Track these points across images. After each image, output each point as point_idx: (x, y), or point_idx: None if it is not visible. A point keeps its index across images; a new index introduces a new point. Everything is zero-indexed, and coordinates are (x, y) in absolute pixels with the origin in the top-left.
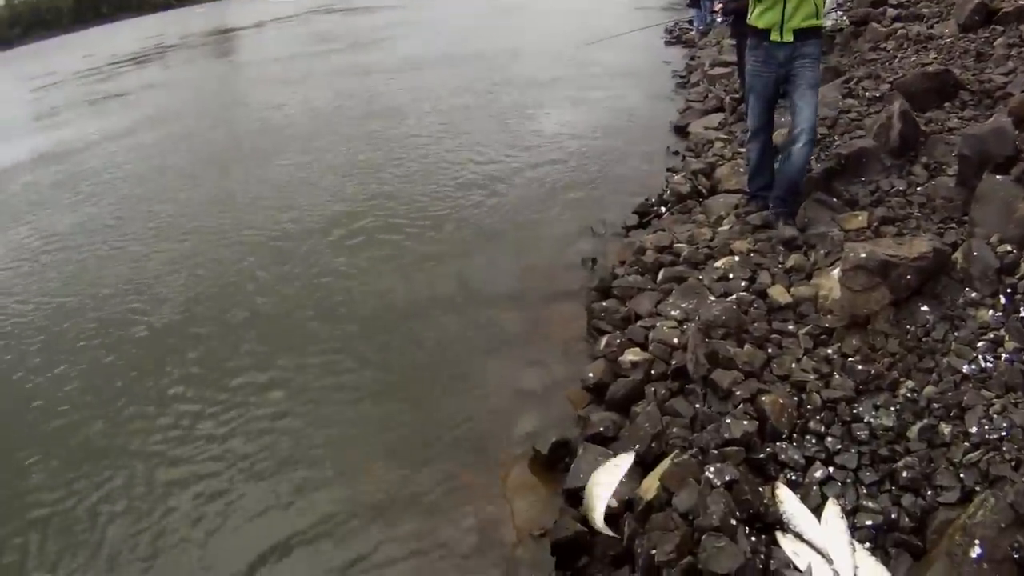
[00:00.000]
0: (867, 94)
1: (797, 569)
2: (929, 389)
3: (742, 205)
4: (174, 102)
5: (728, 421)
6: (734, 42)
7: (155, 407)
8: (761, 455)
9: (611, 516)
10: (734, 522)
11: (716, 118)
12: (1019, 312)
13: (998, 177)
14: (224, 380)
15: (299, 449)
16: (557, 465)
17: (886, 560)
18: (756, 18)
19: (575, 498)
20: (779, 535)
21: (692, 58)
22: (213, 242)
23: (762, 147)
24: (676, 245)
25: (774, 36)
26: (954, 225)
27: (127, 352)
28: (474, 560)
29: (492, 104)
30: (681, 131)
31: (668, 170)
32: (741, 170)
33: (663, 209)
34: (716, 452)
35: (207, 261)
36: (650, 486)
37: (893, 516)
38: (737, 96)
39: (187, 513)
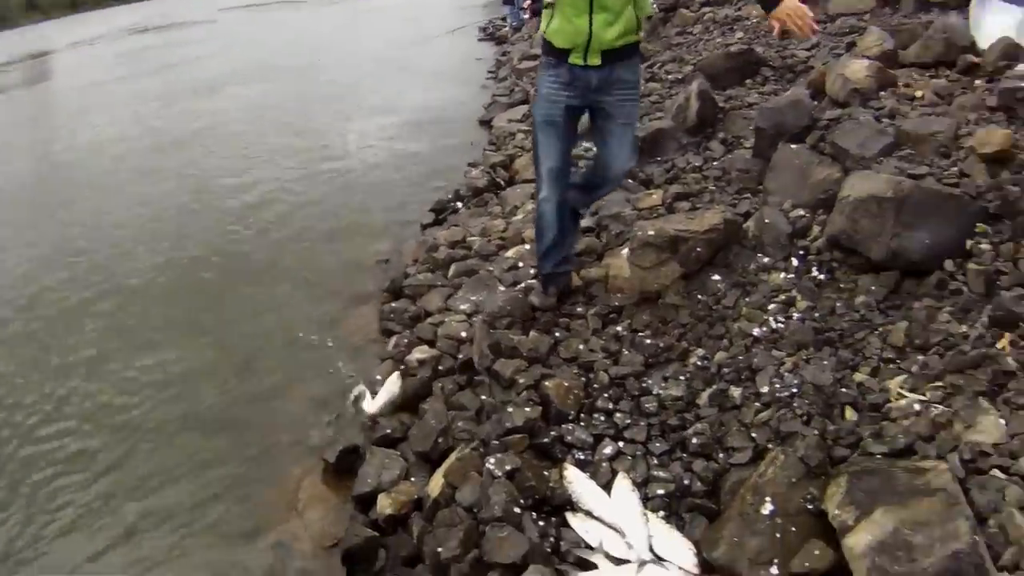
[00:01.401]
0: (669, 77)
1: (589, 547)
2: (720, 355)
3: (533, 290)
4: None
5: (510, 410)
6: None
7: None
8: (546, 439)
9: (400, 518)
10: (518, 510)
11: (520, 110)
12: (811, 272)
13: (792, 146)
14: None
15: (76, 473)
16: (348, 472)
17: (680, 525)
18: (552, 33)
19: (365, 503)
20: (569, 515)
21: (503, 54)
22: None
23: (559, 207)
24: (469, 239)
25: (574, 59)
26: (748, 196)
27: None
28: None
29: (303, 116)
30: (486, 124)
31: (468, 164)
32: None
33: (459, 204)
34: (498, 442)
35: None
36: (436, 484)
37: (685, 482)
38: None
39: None
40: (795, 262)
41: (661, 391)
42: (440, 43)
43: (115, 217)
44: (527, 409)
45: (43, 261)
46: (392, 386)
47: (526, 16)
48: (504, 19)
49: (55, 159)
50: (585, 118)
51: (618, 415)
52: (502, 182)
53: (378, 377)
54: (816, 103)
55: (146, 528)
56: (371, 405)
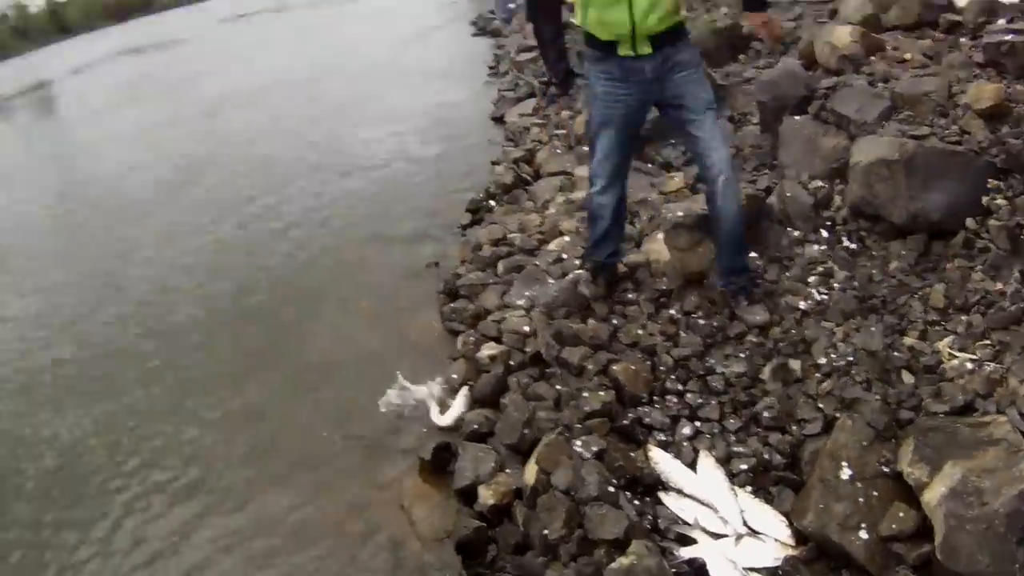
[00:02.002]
0: None
1: (686, 523)
2: (773, 331)
3: (582, 281)
4: None
5: (586, 395)
6: (531, 26)
7: None
8: (625, 422)
9: (503, 507)
10: (612, 489)
11: (529, 104)
12: (842, 242)
13: (797, 118)
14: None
15: (186, 481)
16: (444, 468)
17: (769, 499)
18: (593, 25)
19: (468, 496)
20: (661, 494)
21: (499, 47)
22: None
23: (616, 203)
24: (509, 235)
25: (623, 51)
26: (767, 171)
27: None
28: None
29: (314, 130)
30: (498, 121)
31: (492, 162)
32: (578, 230)
33: (492, 202)
34: (581, 426)
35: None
36: (531, 472)
37: (766, 456)
38: (544, 80)
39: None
40: (824, 233)
41: (725, 369)
42: (433, 41)
43: (151, 250)
44: (601, 393)
45: (86, 298)
46: (461, 401)
47: (512, 6)
48: (492, 12)
49: (78, 193)
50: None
51: (689, 395)
52: (528, 177)
53: (454, 376)
54: (810, 72)
55: (260, 531)
56: (442, 419)
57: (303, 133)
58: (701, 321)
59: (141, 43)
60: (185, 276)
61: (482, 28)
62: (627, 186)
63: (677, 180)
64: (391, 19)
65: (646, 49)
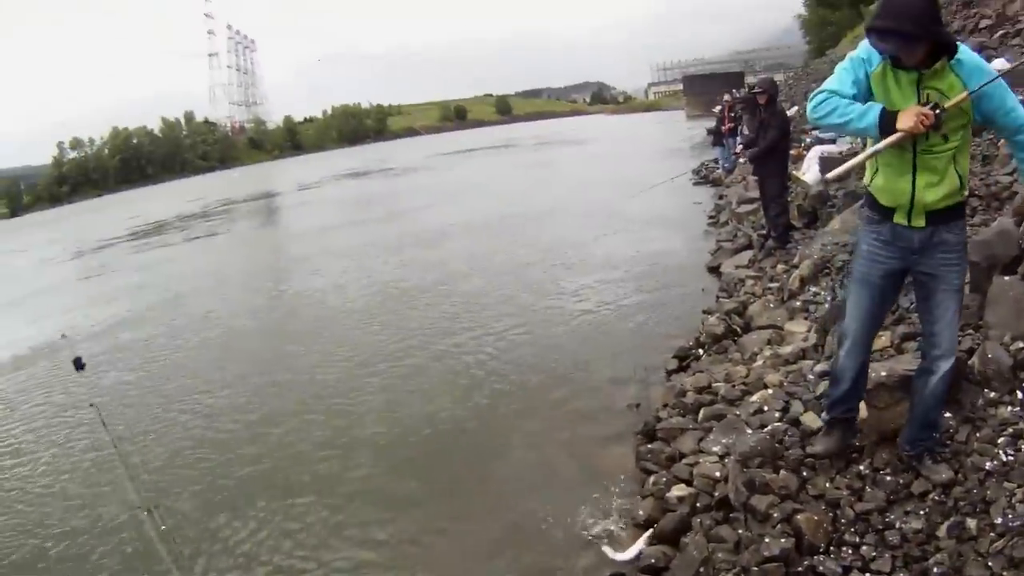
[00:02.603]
0: None
1: None
2: (956, 489)
3: (817, 437)
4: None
5: (767, 540)
6: (756, 178)
7: None
8: (800, 569)
9: None
10: None
11: (746, 255)
12: None
13: (1006, 278)
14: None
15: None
16: None
17: None
18: (876, 190)
19: None
20: None
21: (720, 197)
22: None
23: (860, 363)
24: (714, 384)
25: (898, 218)
26: (971, 331)
27: None
28: None
29: (526, 268)
30: (714, 271)
31: (704, 311)
32: (782, 383)
33: (700, 351)
34: (757, 570)
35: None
36: None
37: None
38: (763, 232)
39: None
40: (1020, 395)
41: (903, 524)
42: (655, 188)
43: (340, 369)
44: (782, 540)
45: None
46: (643, 541)
47: (741, 160)
48: (716, 161)
49: (286, 303)
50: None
51: (864, 548)
52: (738, 328)
53: (640, 512)
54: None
55: None
56: (620, 555)
57: (515, 272)
58: (888, 477)
59: (367, 168)
60: (377, 396)
61: (704, 177)
62: (870, 350)
63: (884, 339)
64: (614, 162)
65: (920, 222)
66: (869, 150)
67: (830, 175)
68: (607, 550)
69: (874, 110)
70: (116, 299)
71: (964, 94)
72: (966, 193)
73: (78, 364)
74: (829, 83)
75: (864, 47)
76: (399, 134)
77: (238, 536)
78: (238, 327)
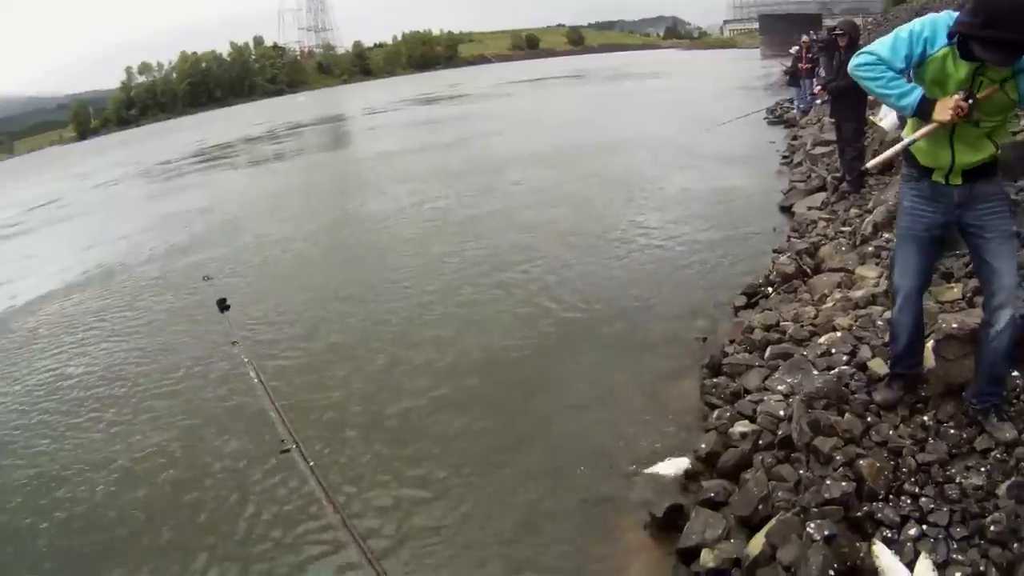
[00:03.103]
0: None
1: None
2: (1019, 450)
3: (880, 387)
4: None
5: (828, 482)
6: (833, 120)
7: None
8: (859, 514)
9: (721, 572)
10: (832, 573)
11: (819, 197)
12: None
13: None
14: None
15: (427, 521)
16: (671, 528)
17: None
18: (917, 150)
19: (688, 556)
20: None
21: (794, 138)
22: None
23: (914, 318)
24: (782, 323)
25: (936, 178)
26: None
27: None
28: None
29: (593, 200)
30: (786, 211)
31: (774, 251)
32: (851, 327)
33: (770, 289)
34: (816, 511)
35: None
36: (756, 544)
37: (981, 568)
38: (838, 175)
39: None
40: None
41: (963, 479)
42: (728, 125)
43: (420, 294)
44: (843, 484)
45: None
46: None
47: (818, 101)
48: (791, 101)
49: (352, 223)
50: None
51: (923, 499)
52: (809, 270)
53: (703, 446)
54: None
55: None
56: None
57: (583, 204)
58: (952, 431)
59: (437, 94)
60: (452, 325)
61: (779, 117)
62: (922, 304)
63: (955, 291)
64: (687, 97)
65: (957, 180)
66: (905, 140)
67: (871, 164)
68: (658, 467)
69: (915, 94)
70: (187, 222)
71: (993, 87)
72: (998, 149)
73: (222, 305)
74: (881, 48)
75: (930, 23)
76: (470, 61)
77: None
78: (307, 253)
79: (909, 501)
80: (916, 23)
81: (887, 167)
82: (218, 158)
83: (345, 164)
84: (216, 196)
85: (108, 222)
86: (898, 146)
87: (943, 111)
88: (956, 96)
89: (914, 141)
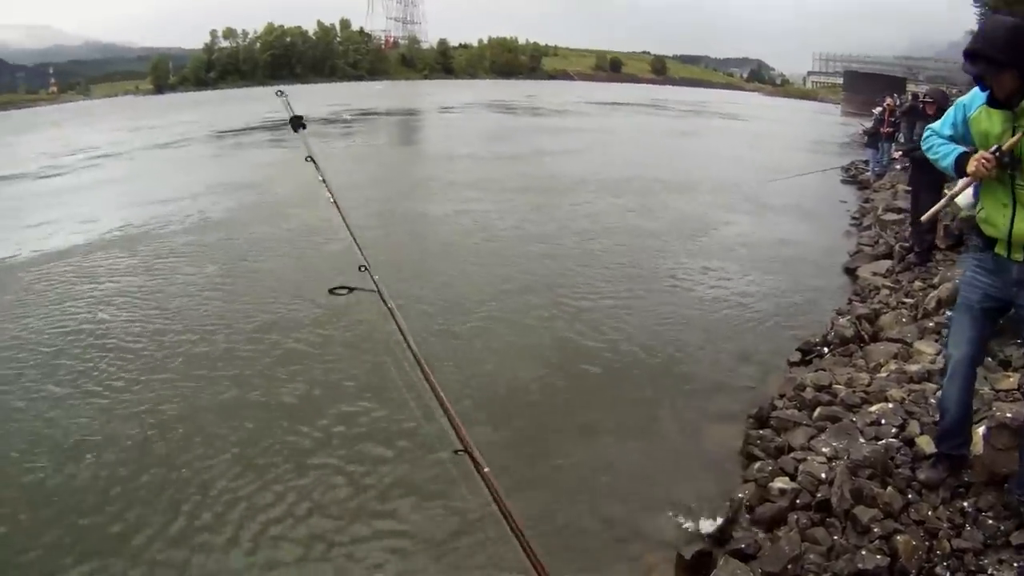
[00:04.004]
0: None
1: None
2: None
3: (925, 465)
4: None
5: (863, 553)
6: (910, 188)
7: None
8: None
9: None
10: None
11: (884, 264)
12: None
13: None
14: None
15: (454, 538)
16: (697, 573)
17: None
18: (982, 220)
19: None
20: None
21: (866, 200)
22: None
23: (963, 392)
24: (835, 386)
25: (999, 250)
26: None
27: None
28: None
29: (670, 231)
30: (850, 273)
31: (835, 311)
32: (903, 400)
33: (825, 349)
34: None
35: None
36: None
37: None
38: (906, 245)
39: None
40: None
41: (995, 572)
42: (800, 177)
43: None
44: (878, 557)
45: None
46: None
47: (897, 167)
48: (866, 162)
49: (410, 213)
50: None
51: None
52: (866, 336)
53: (739, 495)
54: None
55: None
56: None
57: (643, 239)
58: (990, 520)
59: (515, 103)
60: (485, 345)
61: (852, 176)
62: (974, 380)
63: (1012, 380)
64: (763, 145)
65: (1018, 256)
66: (949, 195)
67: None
68: (699, 524)
69: (953, 153)
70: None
71: (1018, 135)
72: None
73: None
74: (936, 123)
75: (969, 94)
76: (551, 75)
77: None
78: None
79: None
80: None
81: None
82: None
83: (408, 159)
84: (270, 173)
85: (181, 176)
86: (944, 200)
87: (971, 164)
88: (982, 152)
89: (955, 195)
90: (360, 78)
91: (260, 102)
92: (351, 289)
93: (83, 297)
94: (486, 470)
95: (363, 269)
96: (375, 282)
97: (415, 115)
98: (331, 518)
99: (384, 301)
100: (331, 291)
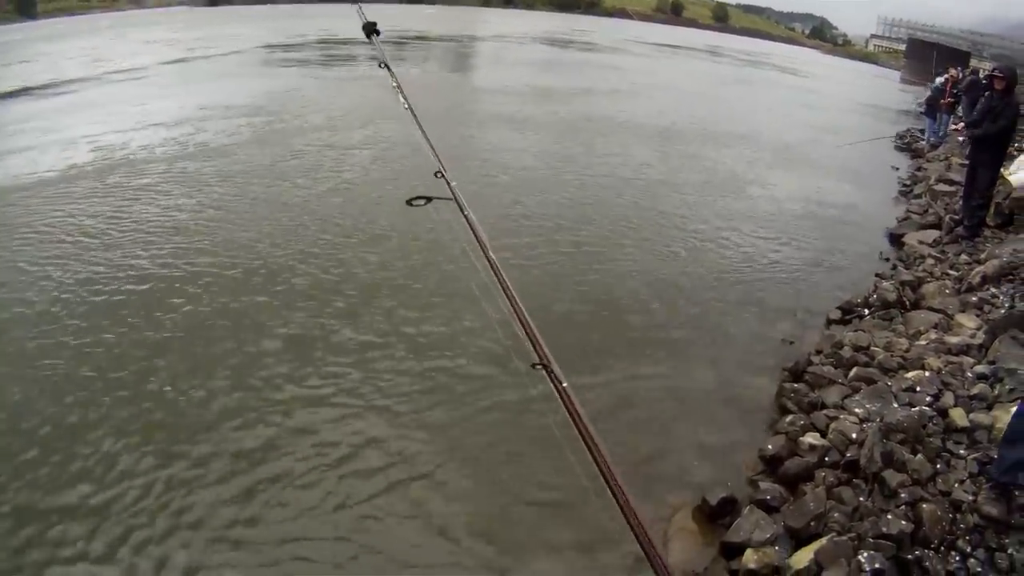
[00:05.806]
0: None
1: None
2: None
3: (987, 498)
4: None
5: (889, 517)
6: (966, 163)
7: None
8: (909, 556)
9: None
10: None
11: (932, 234)
12: None
13: None
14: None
15: (488, 480)
16: (720, 518)
17: None
18: None
19: (730, 551)
20: None
21: (919, 168)
22: None
23: None
24: (873, 348)
25: None
26: None
27: None
28: None
29: (717, 186)
30: (896, 239)
31: (877, 275)
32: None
33: (866, 311)
34: (871, 542)
35: None
36: (801, 558)
37: None
38: (956, 217)
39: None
40: None
41: (1015, 552)
42: (853, 141)
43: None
44: (903, 522)
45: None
46: None
47: (960, 139)
48: (922, 131)
49: (469, 143)
50: None
51: (972, 560)
52: (908, 302)
53: (769, 447)
54: None
55: (527, 528)
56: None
57: (694, 193)
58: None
59: (570, 37)
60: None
61: (906, 144)
62: None
63: None
64: (820, 104)
65: None
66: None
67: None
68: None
69: None
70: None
71: None
72: None
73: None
74: None
75: None
76: (610, 13)
77: None
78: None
79: (959, 558)
80: None
81: (1008, 221)
82: (337, 57)
83: (457, 90)
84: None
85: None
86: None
87: None
88: None
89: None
90: (414, 1)
91: (313, 19)
92: (429, 199)
93: (172, 205)
94: (564, 385)
95: (439, 175)
96: (451, 189)
97: (469, 42)
98: (404, 428)
99: (461, 209)
100: (408, 202)
